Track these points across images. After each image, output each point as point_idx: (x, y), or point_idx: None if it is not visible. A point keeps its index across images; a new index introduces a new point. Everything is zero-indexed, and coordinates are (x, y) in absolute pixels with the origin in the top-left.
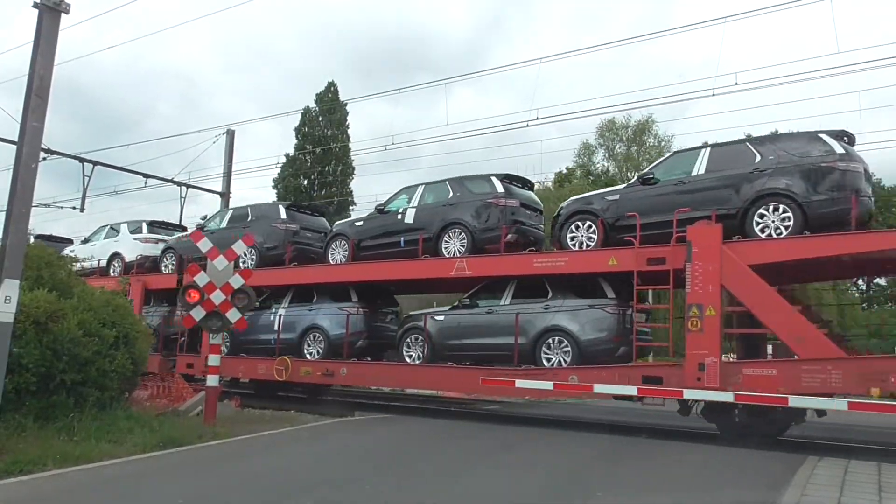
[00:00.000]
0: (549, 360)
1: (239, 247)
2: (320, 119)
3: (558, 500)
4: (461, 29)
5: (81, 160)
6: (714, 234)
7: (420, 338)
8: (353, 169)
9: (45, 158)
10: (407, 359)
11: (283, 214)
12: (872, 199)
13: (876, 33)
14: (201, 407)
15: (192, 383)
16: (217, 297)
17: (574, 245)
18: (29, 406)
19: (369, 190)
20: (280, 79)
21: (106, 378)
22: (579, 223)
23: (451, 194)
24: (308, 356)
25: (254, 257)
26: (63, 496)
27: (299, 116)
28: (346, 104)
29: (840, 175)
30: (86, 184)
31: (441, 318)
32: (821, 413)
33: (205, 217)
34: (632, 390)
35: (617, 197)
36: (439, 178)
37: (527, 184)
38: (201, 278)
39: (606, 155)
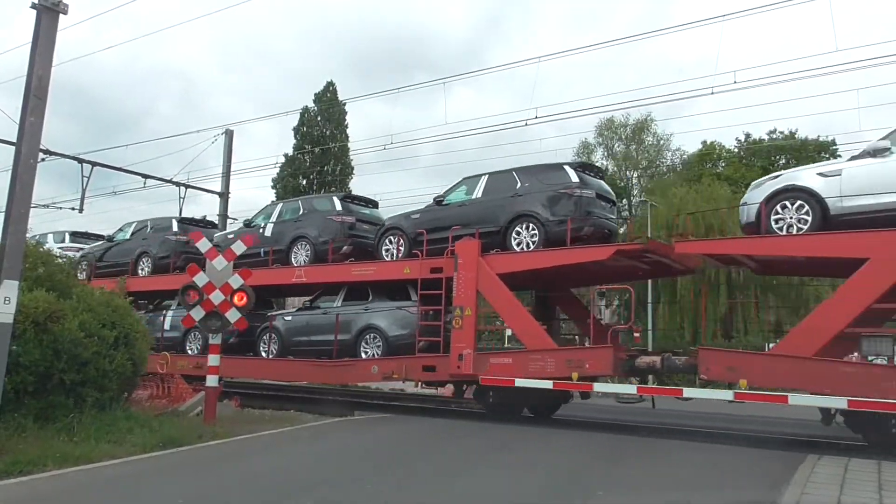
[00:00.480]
0: (366, 353)
1: (238, 247)
2: (319, 119)
3: (559, 500)
4: (460, 28)
5: (80, 161)
6: (474, 248)
7: (273, 335)
8: (352, 169)
9: (44, 159)
10: (262, 353)
11: (174, 227)
12: (611, 218)
13: (874, 31)
14: (201, 407)
15: (192, 384)
16: (216, 297)
17: (387, 256)
18: (28, 406)
19: (369, 189)
20: (279, 78)
21: (105, 378)
22: (392, 237)
23: (301, 211)
24: (189, 352)
25: (150, 265)
26: (63, 496)
27: (298, 116)
28: (344, 104)
29: (575, 200)
30: (85, 184)
31: (289, 318)
32: (584, 395)
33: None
34: (632, 389)
35: (418, 216)
36: (436, 177)
37: (370, 203)
38: (200, 278)
39: (605, 154)
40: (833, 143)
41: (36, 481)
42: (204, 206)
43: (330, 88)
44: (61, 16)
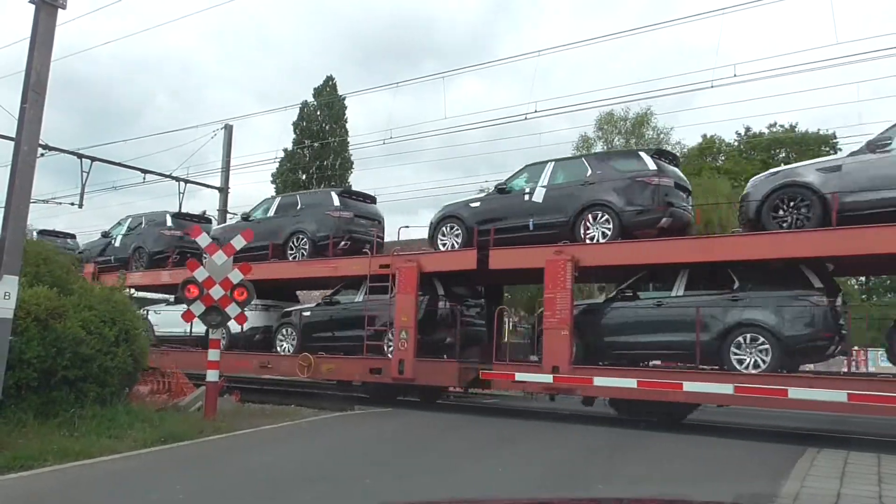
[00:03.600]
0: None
1: (238, 241)
2: (318, 114)
3: (559, 493)
4: (467, 13)
5: (80, 156)
6: None
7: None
8: (352, 163)
9: (43, 154)
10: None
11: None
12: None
13: (875, 25)
14: (202, 402)
15: (192, 379)
16: (216, 291)
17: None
18: (29, 401)
19: (369, 184)
20: (278, 69)
21: (107, 374)
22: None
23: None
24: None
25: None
26: (63, 491)
27: (297, 111)
28: (344, 98)
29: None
30: (84, 179)
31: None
32: None
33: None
34: (632, 384)
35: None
36: (439, 170)
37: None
38: (200, 273)
39: (605, 147)
40: (833, 136)
41: (36, 476)
42: (204, 202)
43: (329, 83)
44: (60, 10)
